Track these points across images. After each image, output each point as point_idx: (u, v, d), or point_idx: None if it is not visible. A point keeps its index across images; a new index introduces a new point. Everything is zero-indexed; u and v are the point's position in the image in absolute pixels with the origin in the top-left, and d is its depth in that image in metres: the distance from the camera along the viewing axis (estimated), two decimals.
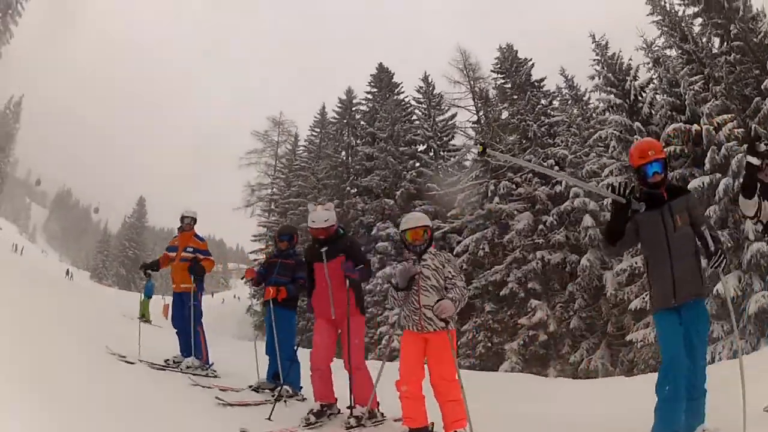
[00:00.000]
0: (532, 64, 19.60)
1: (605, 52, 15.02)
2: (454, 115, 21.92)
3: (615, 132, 13.58)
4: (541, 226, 16.05)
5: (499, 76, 19.99)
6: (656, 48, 14.13)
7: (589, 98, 18.10)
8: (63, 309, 8.74)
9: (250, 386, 5.46)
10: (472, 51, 21.31)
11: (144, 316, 13.40)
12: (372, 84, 23.34)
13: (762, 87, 12.44)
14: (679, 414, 2.86)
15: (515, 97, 19.07)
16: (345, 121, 23.27)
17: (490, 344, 15.73)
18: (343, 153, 22.39)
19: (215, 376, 6.03)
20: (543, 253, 15.57)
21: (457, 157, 20.48)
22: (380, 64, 23.68)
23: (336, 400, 4.52)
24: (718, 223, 11.26)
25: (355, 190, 20.77)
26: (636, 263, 12.42)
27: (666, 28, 14.57)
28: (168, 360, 6.16)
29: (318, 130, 24.54)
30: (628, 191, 3.10)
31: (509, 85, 19.65)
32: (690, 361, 2.96)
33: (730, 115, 12.05)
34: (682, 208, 3.09)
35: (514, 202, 16.89)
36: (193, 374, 5.73)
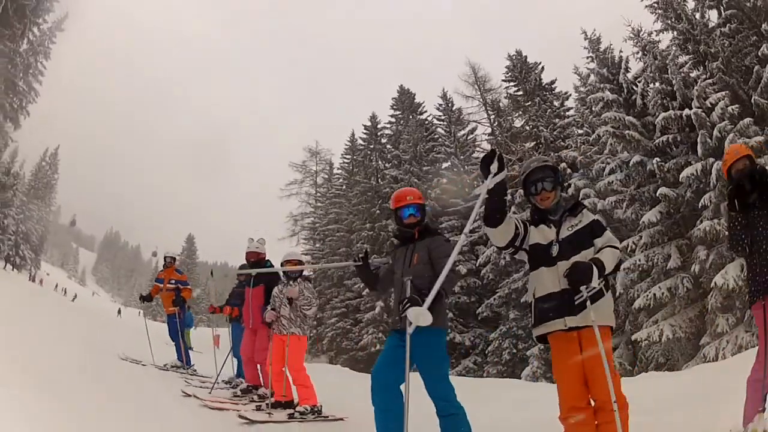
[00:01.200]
0: (542, 68, 19.53)
1: (597, 47, 14.85)
2: (474, 129, 22.25)
3: (610, 129, 13.35)
4: None
5: (511, 84, 20.08)
6: (644, 35, 13.74)
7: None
8: (113, 338, 10.74)
9: (224, 380, 6.93)
10: (482, 62, 21.55)
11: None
12: (394, 107, 24.29)
13: (759, 53, 11.76)
14: (388, 423, 3.11)
15: (528, 104, 19.08)
16: (372, 146, 24.38)
17: (515, 350, 15.75)
18: (372, 178, 23.44)
19: (201, 375, 7.64)
20: None
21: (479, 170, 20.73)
22: (401, 86, 24.60)
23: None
24: (715, 210, 10.74)
25: (385, 213, 21.66)
26: (639, 260, 12.10)
27: (661, 11, 14.15)
28: (166, 364, 7.92)
29: (349, 157, 25.84)
30: (366, 255, 3.69)
31: (521, 93, 19.68)
32: (425, 383, 3.16)
33: (721, 93, 11.52)
34: (422, 247, 3.32)
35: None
36: (175, 371, 7.67)
